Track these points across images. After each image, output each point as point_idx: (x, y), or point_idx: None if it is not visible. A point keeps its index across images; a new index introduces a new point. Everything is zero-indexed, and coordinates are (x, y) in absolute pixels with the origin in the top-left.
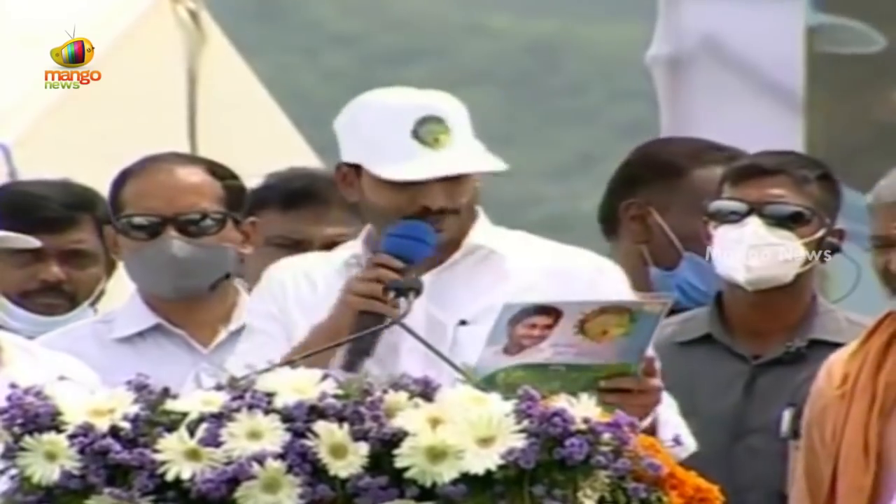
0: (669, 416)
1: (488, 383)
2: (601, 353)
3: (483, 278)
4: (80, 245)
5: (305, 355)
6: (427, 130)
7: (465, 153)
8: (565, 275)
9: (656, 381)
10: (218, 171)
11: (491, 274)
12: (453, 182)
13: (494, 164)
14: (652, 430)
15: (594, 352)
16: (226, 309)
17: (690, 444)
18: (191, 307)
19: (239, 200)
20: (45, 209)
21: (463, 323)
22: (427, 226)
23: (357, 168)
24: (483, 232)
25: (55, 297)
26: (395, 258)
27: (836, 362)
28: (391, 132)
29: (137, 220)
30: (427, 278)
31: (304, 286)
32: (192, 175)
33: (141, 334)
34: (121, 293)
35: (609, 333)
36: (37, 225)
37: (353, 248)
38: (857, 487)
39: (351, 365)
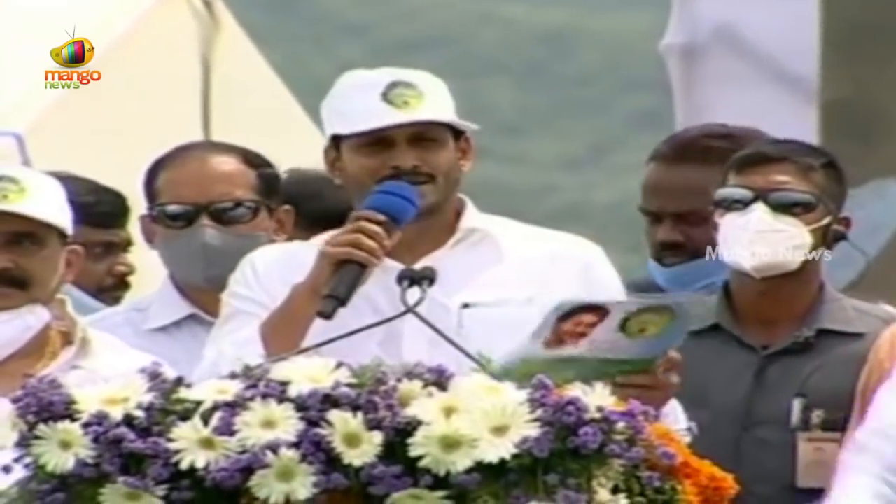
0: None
1: (505, 374)
2: (633, 349)
3: (481, 260)
4: None
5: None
6: (397, 93)
7: (434, 115)
8: (562, 259)
9: (674, 379)
10: (253, 159)
11: (488, 255)
12: (425, 146)
13: (463, 123)
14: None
15: (628, 348)
16: None
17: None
18: None
19: (274, 188)
20: None
21: (466, 306)
22: (412, 187)
23: (339, 146)
24: (474, 216)
25: None
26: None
27: None
28: (362, 98)
29: (171, 208)
30: (426, 263)
31: (287, 269)
32: (226, 164)
33: (176, 323)
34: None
35: (646, 332)
36: None
37: (334, 233)
38: None
39: (326, 309)
